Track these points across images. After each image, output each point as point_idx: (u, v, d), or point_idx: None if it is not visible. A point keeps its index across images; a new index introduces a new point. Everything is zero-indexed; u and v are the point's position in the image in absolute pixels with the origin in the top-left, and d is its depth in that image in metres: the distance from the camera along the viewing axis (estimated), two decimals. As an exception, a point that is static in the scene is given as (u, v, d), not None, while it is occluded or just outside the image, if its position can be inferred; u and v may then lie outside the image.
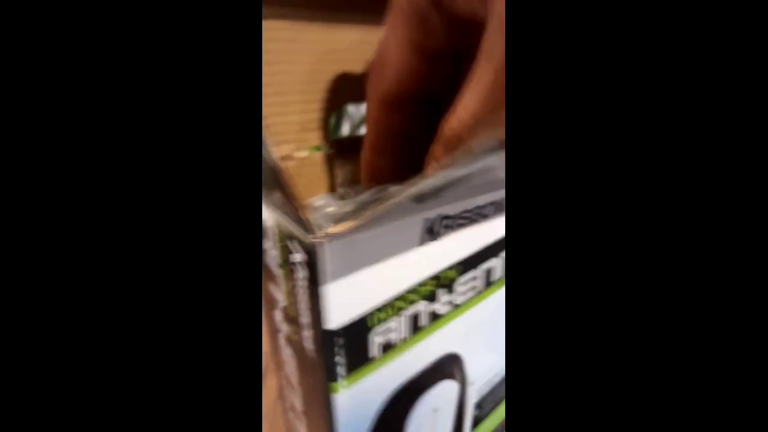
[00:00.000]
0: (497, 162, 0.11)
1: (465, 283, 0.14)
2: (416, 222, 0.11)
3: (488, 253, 0.14)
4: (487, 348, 0.17)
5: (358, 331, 0.11)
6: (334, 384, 0.11)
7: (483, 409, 0.20)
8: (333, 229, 0.09)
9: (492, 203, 0.13)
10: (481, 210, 0.13)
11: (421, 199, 0.10)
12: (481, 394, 0.19)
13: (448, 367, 0.15)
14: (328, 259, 0.09)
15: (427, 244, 0.11)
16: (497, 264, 0.15)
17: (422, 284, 0.12)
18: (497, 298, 0.16)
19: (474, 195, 0.12)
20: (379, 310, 0.11)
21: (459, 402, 0.17)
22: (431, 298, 0.13)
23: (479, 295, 0.15)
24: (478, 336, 0.16)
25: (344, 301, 0.10)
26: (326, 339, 0.11)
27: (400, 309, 0.12)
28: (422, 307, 0.13)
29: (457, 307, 0.14)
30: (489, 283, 0.15)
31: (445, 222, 0.12)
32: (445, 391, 0.16)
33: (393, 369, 0.13)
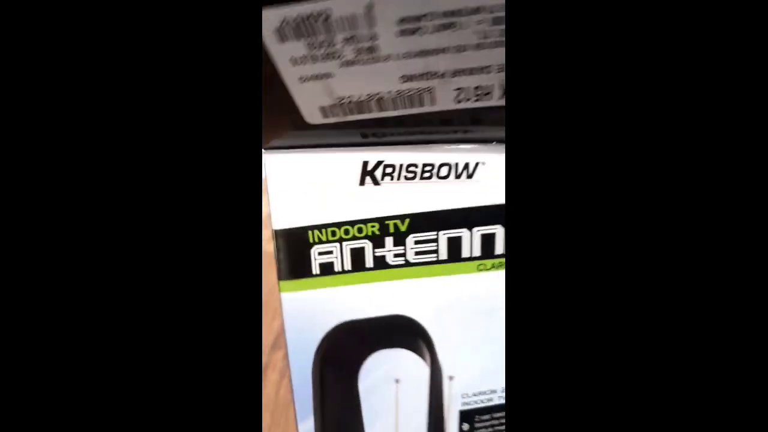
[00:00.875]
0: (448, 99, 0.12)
1: (420, 243, 0.14)
2: (356, 160, 0.13)
3: (451, 220, 0.14)
4: (477, 345, 0.16)
5: (299, 241, 0.14)
6: (280, 282, 0.14)
7: (473, 429, 0.17)
8: (274, 142, 0.12)
9: (447, 165, 0.13)
10: (432, 169, 0.13)
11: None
12: (470, 406, 0.17)
13: (406, 334, 0.15)
14: (269, 168, 0.13)
15: (367, 185, 0.13)
16: (467, 237, 0.14)
17: (364, 222, 0.13)
18: (485, 285, 0.15)
19: (421, 149, 0.13)
20: (318, 229, 0.13)
21: (432, 389, 0.16)
22: (377, 241, 0.14)
23: (444, 265, 0.14)
24: (459, 322, 0.15)
25: (286, 207, 0.13)
26: (276, 239, 0.14)
27: (340, 238, 0.14)
28: (367, 246, 0.14)
29: (410, 265, 0.14)
30: (459, 258, 0.14)
31: (386, 169, 0.13)
32: (406, 364, 0.16)
33: (336, 296, 0.14)
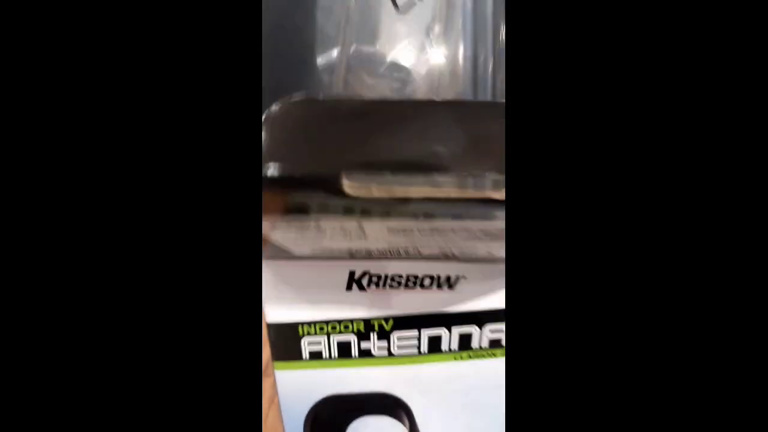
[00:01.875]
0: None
1: (403, 339, 0.15)
2: (343, 270, 0.14)
3: (429, 322, 0.15)
4: (453, 417, 0.17)
5: (291, 332, 0.15)
6: (274, 362, 0.15)
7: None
8: (272, 250, 0.13)
9: (430, 277, 0.14)
10: (416, 279, 0.14)
11: None
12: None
13: (389, 406, 0.17)
14: (265, 273, 0.13)
15: (353, 290, 0.14)
16: (445, 336, 0.15)
17: (350, 321, 0.14)
18: (460, 370, 0.16)
19: (407, 260, 0.14)
20: (307, 324, 0.14)
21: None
22: (362, 336, 0.15)
23: (424, 356, 0.15)
24: (438, 398, 0.17)
25: (278, 306, 0.14)
26: (269, 329, 0.15)
27: (327, 332, 0.15)
28: (353, 339, 0.15)
29: (392, 356, 0.15)
30: (438, 350, 0.15)
31: (372, 278, 0.14)
32: (387, 428, 0.17)
33: (324, 376, 0.16)
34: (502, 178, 0.07)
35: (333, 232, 0.09)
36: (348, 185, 0.07)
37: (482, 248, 0.10)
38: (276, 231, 0.10)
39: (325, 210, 0.08)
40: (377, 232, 0.09)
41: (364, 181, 0.06)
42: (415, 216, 0.08)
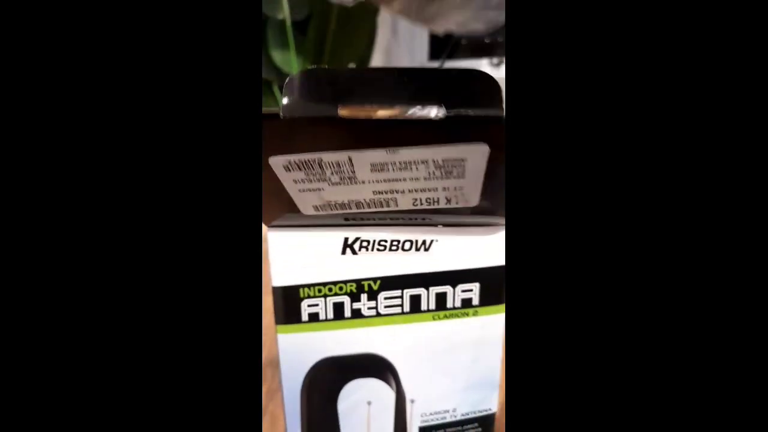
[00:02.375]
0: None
1: (388, 299, 0.17)
2: (339, 237, 0.16)
3: (410, 282, 0.17)
4: (432, 375, 0.19)
5: (292, 295, 0.17)
6: (277, 326, 0.17)
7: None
8: (275, 222, 0.15)
9: (410, 241, 0.16)
10: (398, 243, 0.16)
11: None
12: (428, 423, 0.20)
13: (378, 368, 0.19)
14: (271, 241, 0.16)
15: (347, 254, 0.16)
16: (423, 295, 0.17)
17: (345, 282, 0.17)
18: (438, 330, 0.18)
19: (389, 230, 0.16)
20: (307, 287, 0.17)
21: (397, 410, 0.20)
22: (354, 297, 0.17)
23: (407, 315, 0.18)
24: (418, 358, 0.19)
25: (283, 270, 0.16)
26: (274, 294, 0.17)
27: (324, 294, 0.17)
28: (346, 300, 0.17)
29: (380, 315, 0.17)
30: (418, 309, 0.18)
31: (363, 243, 0.16)
32: (377, 390, 0.19)
33: (321, 338, 0.18)
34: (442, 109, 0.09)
35: (331, 171, 0.11)
36: (341, 110, 0.10)
37: (440, 191, 0.13)
38: (288, 174, 0.12)
39: (323, 145, 0.10)
40: (363, 169, 0.12)
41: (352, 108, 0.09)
42: (387, 148, 0.11)
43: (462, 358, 0.19)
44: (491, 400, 0.20)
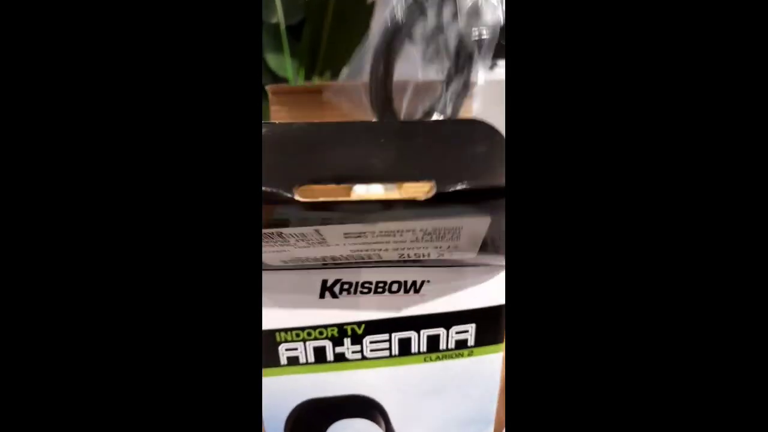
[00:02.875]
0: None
1: (375, 342, 0.16)
2: (316, 279, 0.14)
3: (399, 325, 0.15)
4: (424, 413, 0.18)
5: (268, 339, 0.15)
6: (263, 369, 0.16)
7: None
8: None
9: (397, 282, 0.15)
10: (384, 285, 0.15)
11: None
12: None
13: (365, 408, 0.17)
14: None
15: (326, 298, 0.15)
16: (414, 338, 0.16)
17: (324, 327, 0.15)
18: (430, 371, 0.17)
19: (374, 270, 0.14)
20: (283, 332, 0.15)
21: (387, 451, 0.18)
22: (337, 341, 0.16)
23: (396, 358, 0.16)
24: (408, 397, 0.17)
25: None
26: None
27: (303, 339, 0.15)
28: (328, 345, 0.16)
29: (366, 359, 0.16)
30: (408, 352, 0.16)
31: (344, 286, 0.14)
32: (365, 429, 0.18)
33: (301, 381, 0.16)
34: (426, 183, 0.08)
35: (295, 240, 0.10)
36: (300, 193, 0.08)
37: (430, 248, 0.11)
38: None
39: (285, 222, 0.09)
40: (335, 238, 0.10)
41: (313, 188, 0.08)
42: (365, 220, 0.09)
43: (455, 396, 0.18)
44: (487, 437, 0.19)
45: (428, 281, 0.15)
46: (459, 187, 0.08)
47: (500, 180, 0.08)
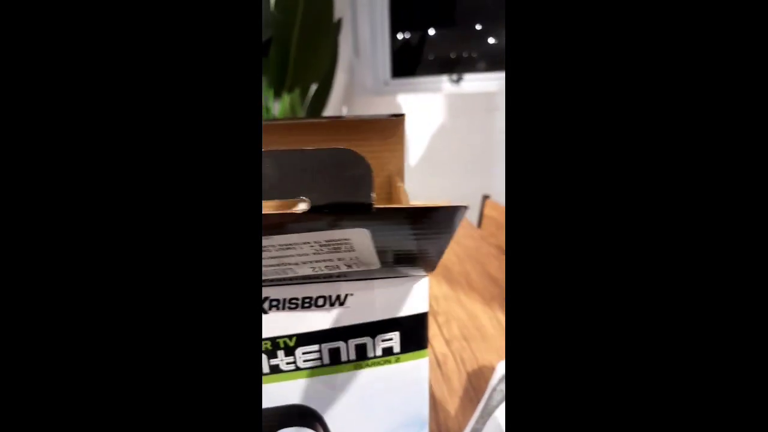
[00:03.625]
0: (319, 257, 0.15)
1: (307, 353, 0.17)
2: (249, 296, 0.16)
3: (327, 336, 0.17)
4: (360, 420, 0.19)
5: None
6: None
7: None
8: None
9: (322, 297, 0.16)
10: (310, 300, 0.16)
11: None
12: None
13: (303, 417, 0.18)
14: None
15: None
16: (343, 348, 0.17)
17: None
18: (365, 379, 0.18)
19: (301, 284, 0.16)
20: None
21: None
22: (271, 354, 0.17)
23: (328, 367, 0.17)
24: (344, 405, 0.18)
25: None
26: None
27: (239, 353, 0.16)
28: (263, 357, 0.17)
29: (299, 369, 0.17)
30: (338, 361, 0.17)
31: (272, 302, 0.16)
32: (306, 440, 0.19)
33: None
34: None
35: None
36: None
37: (335, 260, 0.13)
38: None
39: None
40: None
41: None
42: (268, 233, 0.10)
43: (388, 401, 0.19)
44: (422, 438, 0.20)
45: (351, 294, 0.16)
46: (331, 201, 0.09)
47: (368, 198, 0.10)
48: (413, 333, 0.18)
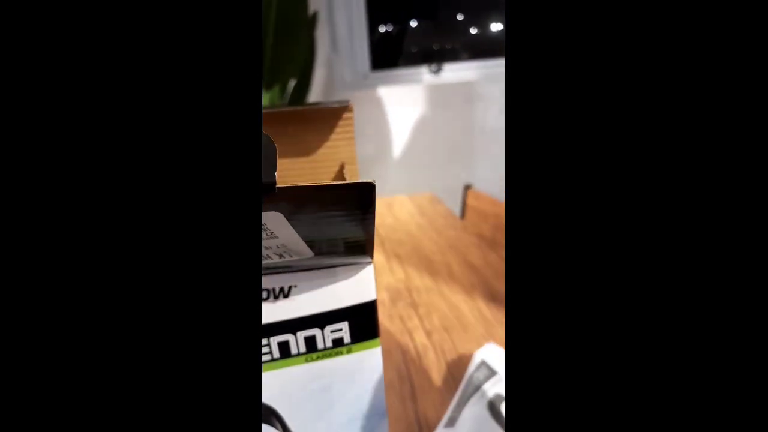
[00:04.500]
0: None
1: (254, 348, 0.17)
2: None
3: (275, 330, 0.17)
4: (316, 413, 0.19)
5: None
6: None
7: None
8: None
9: (266, 290, 0.16)
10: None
11: None
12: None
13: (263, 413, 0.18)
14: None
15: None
16: (292, 340, 0.17)
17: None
18: (317, 371, 0.18)
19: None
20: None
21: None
22: (217, 351, 0.16)
23: (278, 361, 0.17)
24: (298, 398, 0.18)
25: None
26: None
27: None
28: (208, 355, 0.16)
29: (248, 365, 0.17)
30: (288, 354, 0.17)
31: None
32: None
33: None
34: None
35: None
36: None
37: (264, 248, 0.12)
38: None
39: None
40: None
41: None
42: None
43: (343, 392, 0.19)
44: (381, 428, 0.20)
45: (295, 286, 0.16)
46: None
47: (270, 177, 0.09)
48: (363, 322, 0.18)
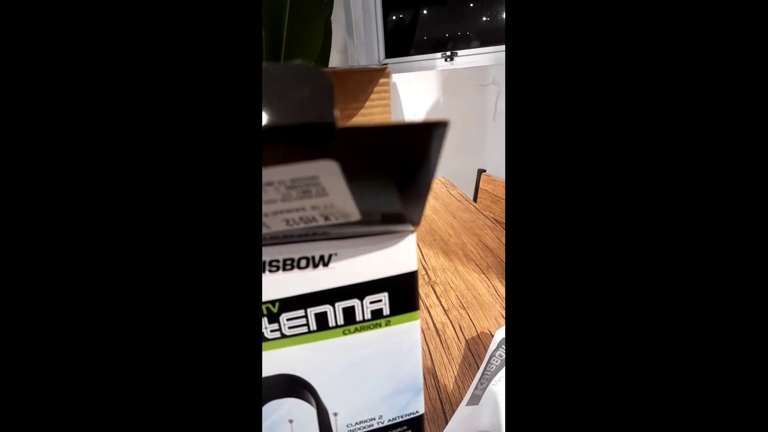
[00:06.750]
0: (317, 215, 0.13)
1: (291, 319, 0.15)
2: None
3: (313, 300, 0.15)
4: (352, 387, 0.18)
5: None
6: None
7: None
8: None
9: (305, 258, 0.14)
10: (292, 262, 0.14)
11: None
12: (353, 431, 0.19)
13: (293, 387, 0.17)
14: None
15: (236, 277, 0.14)
16: (330, 312, 0.16)
17: (239, 307, 0.15)
18: (351, 344, 0.17)
19: (279, 247, 0.14)
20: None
21: (320, 425, 0.18)
22: (253, 320, 0.15)
23: (315, 333, 0.16)
24: (334, 372, 0.17)
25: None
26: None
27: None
28: (244, 325, 0.15)
29: (285, 337, 0.16)
30: (325, 326, 0.16)
31: (252, 264, 0.14)
32: (297, 408, 0.17)
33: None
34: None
35: None
36: None
37: (308, 210, 0.11)
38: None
39: None
40: None
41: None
42: None
43: (380, 366, 0.18)
44: (417, 403, 0.19)
45: (336, 254, 0.15)
46: (285, 123, 0.07)
47: (329, 117, 0.07)
48: (403, 293, 0.16)
